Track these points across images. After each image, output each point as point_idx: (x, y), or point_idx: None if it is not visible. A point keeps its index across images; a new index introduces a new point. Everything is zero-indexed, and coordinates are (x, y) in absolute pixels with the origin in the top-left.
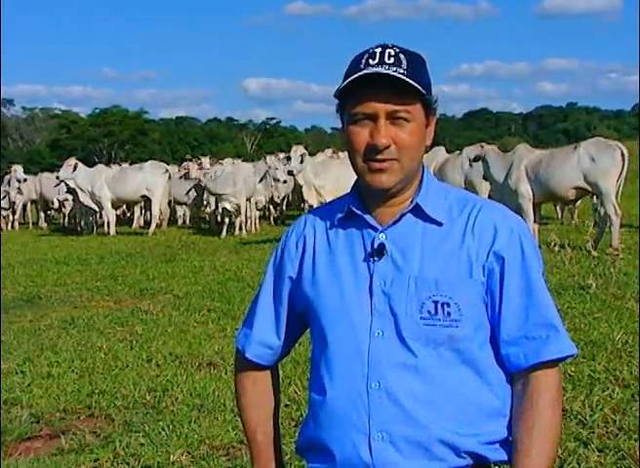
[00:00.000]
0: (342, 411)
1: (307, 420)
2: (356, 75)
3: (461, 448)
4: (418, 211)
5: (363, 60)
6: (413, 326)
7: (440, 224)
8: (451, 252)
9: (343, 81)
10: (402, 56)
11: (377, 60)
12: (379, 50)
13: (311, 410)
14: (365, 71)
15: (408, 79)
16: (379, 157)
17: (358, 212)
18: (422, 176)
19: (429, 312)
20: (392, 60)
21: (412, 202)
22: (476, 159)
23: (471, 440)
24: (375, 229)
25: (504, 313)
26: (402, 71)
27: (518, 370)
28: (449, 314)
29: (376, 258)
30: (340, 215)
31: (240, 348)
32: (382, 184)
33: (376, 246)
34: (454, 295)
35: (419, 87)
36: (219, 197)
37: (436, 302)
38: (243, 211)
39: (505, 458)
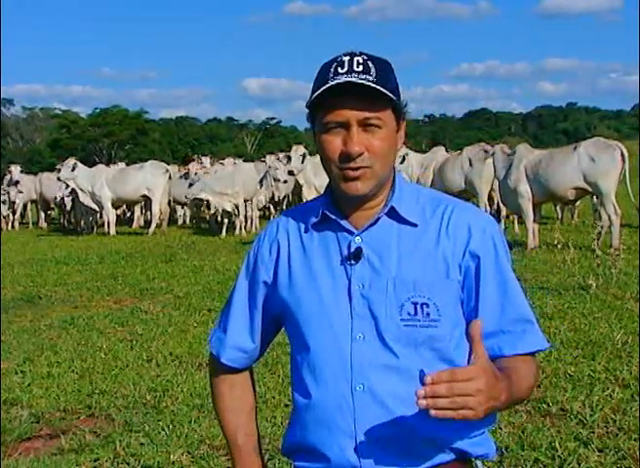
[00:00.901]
0: (328, 415)
1: (293, 423)
2: (328, 85)
3: (445, 444)
4: (392, 213)
5: (332, 69)
6: (393, 327)
7: (415, 225)
8: (427, 252)
9: (313, 91)
10: (370, 63)
11: (345, 69)
12: (347, 58)
13: (296, 414)
14: (336, 81)
15: (378, 86)
16: (352, 165)
17: (333, 216)
18: (395, 179)
19: (409, 313)
20: (361, 68)
21: (386, 205)
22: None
23: (454, 436)
24: (350, 233)
25: (481, 309)
26: (372, 79)
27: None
28: (428, 314)
29: (352, 262)
30: (314, 220)
31: (215, 353)
32: (358, 191)
33: (352, 249)
34: (432, 296)
35: (389, 93)
36: (216, 195)
37: (415, 303)
38: (242, 211)
39: (487, 452)
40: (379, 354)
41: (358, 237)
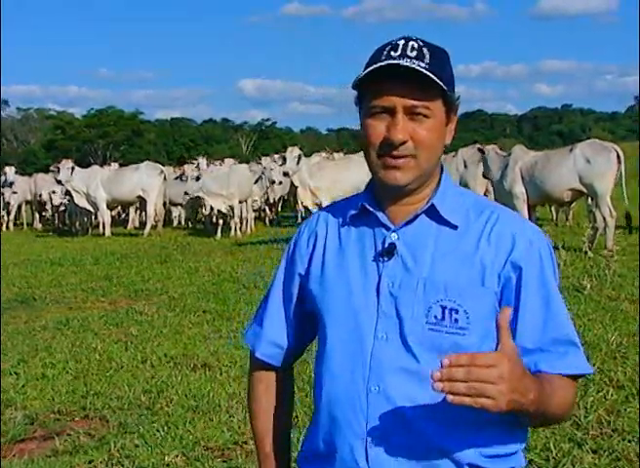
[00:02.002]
0: (341, 414)
1: (310, 424)
2: (375, 66)
3: (460, 458)
4: (432, 212)
5: (384, 52)
6: (418, 330)
7: (455, 228)
8: (464, 256)
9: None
10: (425, 49)
11: (398, 52)
12: (401, 42)
13: (314, 412)
14: (385, 62)
15: (429, 73)
16: (394, 153)
17: (371, 209)
18: (441, 178)
19: (436, 317)
20: (415, 53)
21: (427, 202)
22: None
23: (470, 450)
24: (387, 228)
25: (520, 325)
26: (424, 65)
27: None
28: (456, 321)
29: (385, 258)
30: (352, 212)
31: (250, 347)
32: (397, 181)
33: (386, 245)
34: (463, 302)
35: (440, 82)
36: (212, 195)
37: (444, 307)
38: (237, 212)
39: None
40: (399, 356)
41: (394, 233)
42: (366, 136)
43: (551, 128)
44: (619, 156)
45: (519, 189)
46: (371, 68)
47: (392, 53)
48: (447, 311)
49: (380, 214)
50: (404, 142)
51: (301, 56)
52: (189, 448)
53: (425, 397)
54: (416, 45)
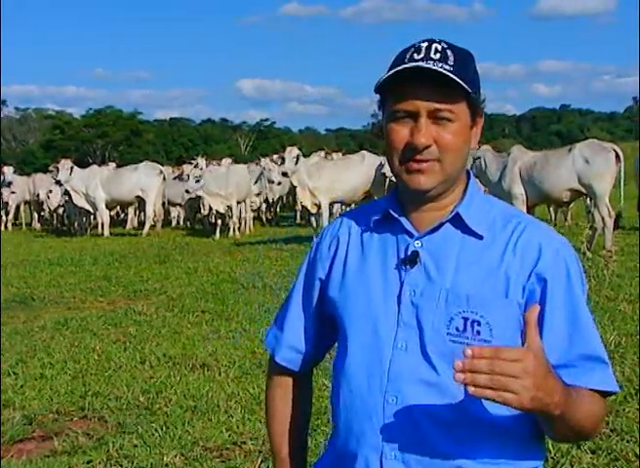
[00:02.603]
0: (358, 425)
1: (330, 436)
2: (397, 68)
3: None
4: (458, 221)
5: (408, 55)
6: (438, 341)
7: (480, 238)
8: (488, 268)
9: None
10: (449, 51)
11: (422, 55)
12: (425, 44)
13: (332, 421)
14: (407, 65)
15: (453, 76)
16: (418, 157)
17: (395, 215)
18: (468, 185)
19: (457, 329)
20: (438, 56)
21: (453, 211)
22: (473, 160)
23: (487, 467)
24: (410, 235)
25: (545, 338)
26: (448, 68)
27: None
28: (478, 333)
29: (408, 266)
30: (376, 218)
31: (270, 351)
32: (420, 185)
33: (409, 253)
34: (486, 314)
35: (464, 85)
36: (210, 195)
37: (466, 319)
38: (235, 212)
39: None
40: (419, 367)
41: (418, 241)
42: (389, 140)
43: (550, 128)
44: (617, 156)
45: (518, 190)
46: (393, 71)
47: (415, 55)
48: (469, 323)
49: (403, 221)
50: (428, 146)
51: (300, 56)
52: (188, 449)
53: (445, 411)
54: (439, 47)
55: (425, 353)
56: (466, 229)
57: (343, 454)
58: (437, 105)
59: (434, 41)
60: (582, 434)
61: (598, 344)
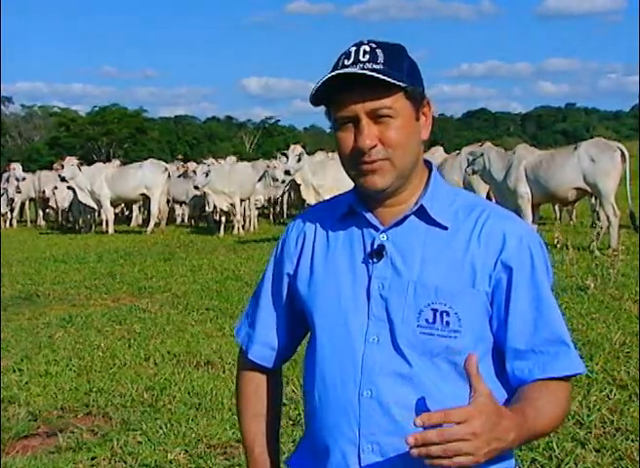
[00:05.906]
0: (333, 419)
1: (300, 441)
2: (323, 79)
3: None
4: (422, 213)
5: (340, 62)
6: (409, 333)
7: (445, 228)
8: (454, 258)
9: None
10: (378, 50)
11: (351, 60)
12: (353, 48)
13: (305, 416)
14: (333, 73)
15: (379, 75)
16: (366, 159)
17: (359, 209)
18: (430, 177)
19: (427, 320)
20: (367, 57)
21: (416, 203)
22: (475, 157)
23: None
24: (376, 229)
25: (511, 326)
26: (378, 67)
27: (522, 384)
28: (447, 324)
29: (375, 260)
30: (341, 212)
31: (243, 347)
32: (376, 185)
33: (375, 246)
34: (454, 305)
35: (392, 80)
36: (214, 192)
37: (435, 311)
38: (239, 210)
39: None
40: (391, 360)
41: (383, 234)
42: (338, 149)
43: (555, 126)
44: (623, 155)
45: (524, 188)
46: (319, 83)
47: (345, 61)
48: (438, 314)
49: (368, 215)
50: (373, 147)
51: (305, 54)
52: (192, 446)
53: (419, 401)
54: (368, 48)
55: (397, 346)
56: (430, 220)
57: (319, 449)
58: (373, 105)
59: (363, 43)
60: (546, 435)
61: (561, 327)
